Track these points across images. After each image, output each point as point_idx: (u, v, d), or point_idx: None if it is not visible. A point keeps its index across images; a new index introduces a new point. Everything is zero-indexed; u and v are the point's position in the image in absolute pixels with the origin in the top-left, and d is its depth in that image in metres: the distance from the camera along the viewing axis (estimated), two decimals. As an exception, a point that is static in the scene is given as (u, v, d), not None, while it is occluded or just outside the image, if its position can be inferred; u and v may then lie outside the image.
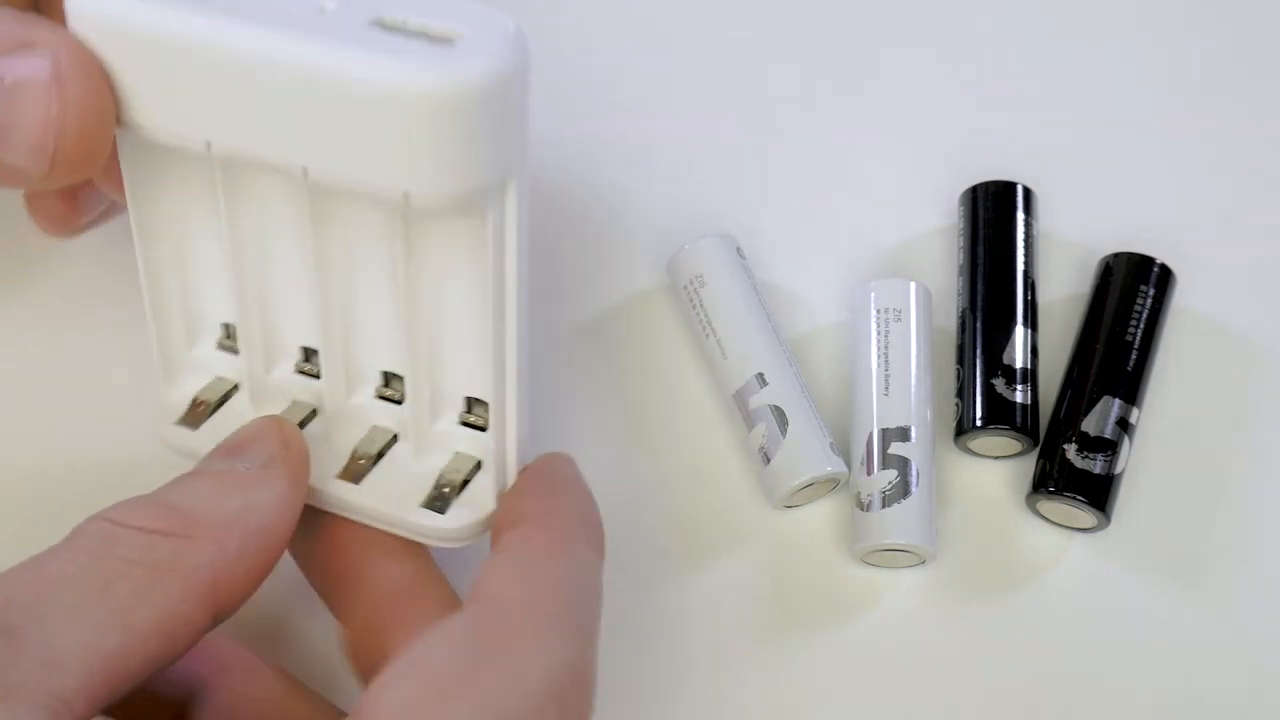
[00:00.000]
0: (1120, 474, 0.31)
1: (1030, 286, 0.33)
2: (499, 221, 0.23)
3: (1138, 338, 0.33)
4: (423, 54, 0.22)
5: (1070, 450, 0.31)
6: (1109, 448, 0.31)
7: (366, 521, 0.27)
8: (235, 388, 0.29)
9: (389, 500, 0.27)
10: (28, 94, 0.23)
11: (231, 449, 0.26)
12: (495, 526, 0.26)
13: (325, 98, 0.22)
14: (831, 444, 0.31)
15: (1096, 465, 0.31)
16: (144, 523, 0.24)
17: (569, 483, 0.27)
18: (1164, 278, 0.33)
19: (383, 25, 0.22)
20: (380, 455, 0.28)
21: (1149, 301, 0.33)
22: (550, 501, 0.26)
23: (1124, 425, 0.31)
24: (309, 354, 0.28)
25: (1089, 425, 0.31)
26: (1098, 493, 0.31)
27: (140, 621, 0.22)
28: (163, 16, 0.22)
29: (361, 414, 0.28)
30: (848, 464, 0.31)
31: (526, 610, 0.23)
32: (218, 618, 0.24)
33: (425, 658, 0.22)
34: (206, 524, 0.24)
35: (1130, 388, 0.32)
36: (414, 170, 0.22)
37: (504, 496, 0.27)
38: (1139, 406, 0.32)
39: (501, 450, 0.26)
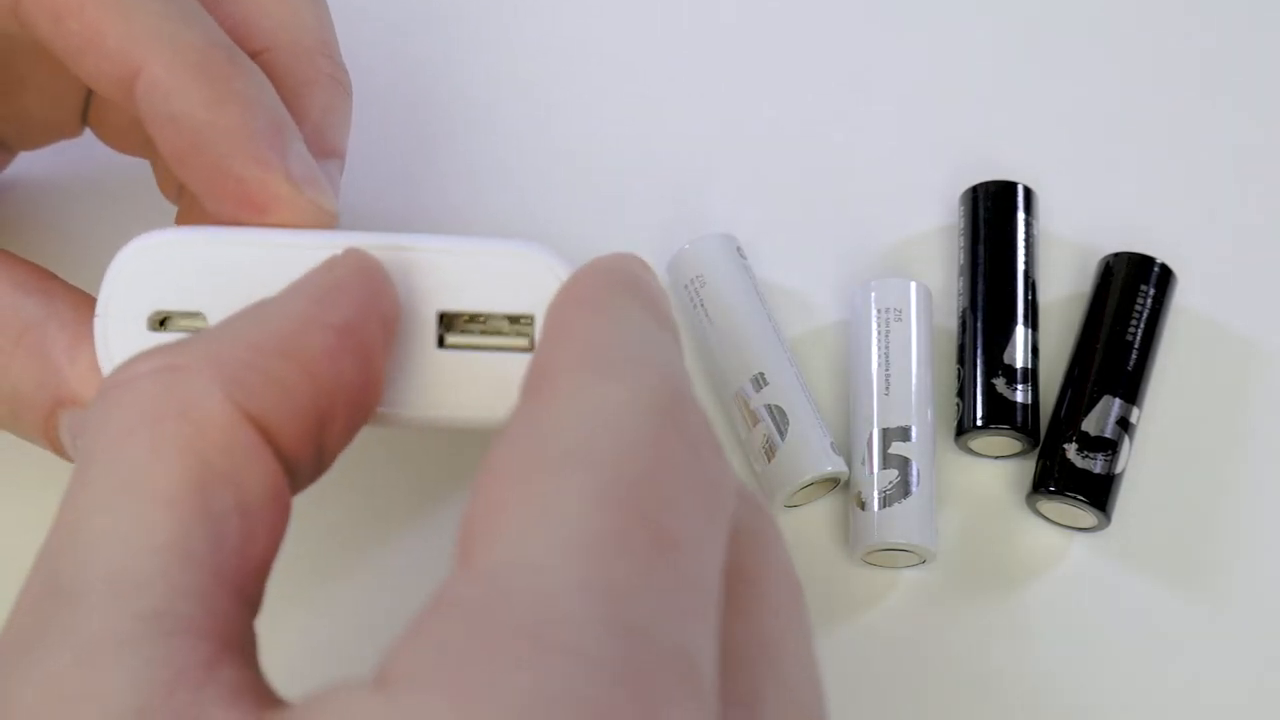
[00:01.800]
0: (1120, 474, 0.31)
1: (1030, 286, 0.33)
2: None
3: (1138, 337, 0.32)
4: (497, 385, 0.22)
5: (1070, 450, 0.31)
6: (1109, 447, 0.31)
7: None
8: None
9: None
10: None
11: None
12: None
13: None
14: (832, 443, 0.31)
15: (1097, 465, 0.31)
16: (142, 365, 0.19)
17: (615, 262, 0.22)
18: (1164, 278, 0.33)
19: (450, 342, 0.23)
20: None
21: (1149, 301, 0.33)
22: (590, 265, 0.22)
23: (1124, 425, 0.31)
24: None
25: (1089, 425, 0.31)
26: (1098, 492, 0.31)
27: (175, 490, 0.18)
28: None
29: None
30: (848, 463, 0.31)
31: (566, 357, 0.19)
32: (296, 476, 0.20)
33: (502, 442, 0.19)
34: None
35: (1130, 387, 0.32)
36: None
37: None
38: (1139, 406, 0.32)
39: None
